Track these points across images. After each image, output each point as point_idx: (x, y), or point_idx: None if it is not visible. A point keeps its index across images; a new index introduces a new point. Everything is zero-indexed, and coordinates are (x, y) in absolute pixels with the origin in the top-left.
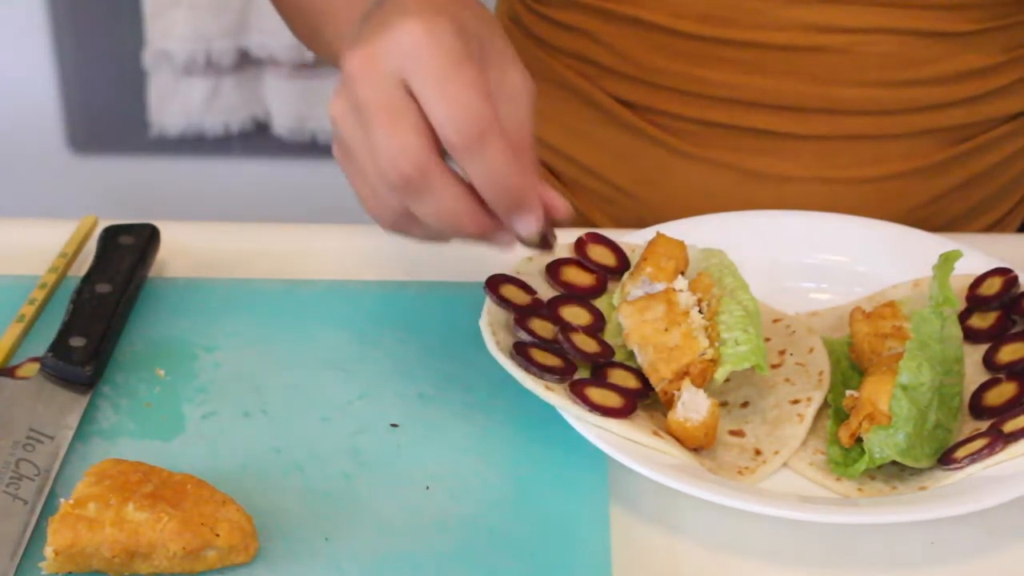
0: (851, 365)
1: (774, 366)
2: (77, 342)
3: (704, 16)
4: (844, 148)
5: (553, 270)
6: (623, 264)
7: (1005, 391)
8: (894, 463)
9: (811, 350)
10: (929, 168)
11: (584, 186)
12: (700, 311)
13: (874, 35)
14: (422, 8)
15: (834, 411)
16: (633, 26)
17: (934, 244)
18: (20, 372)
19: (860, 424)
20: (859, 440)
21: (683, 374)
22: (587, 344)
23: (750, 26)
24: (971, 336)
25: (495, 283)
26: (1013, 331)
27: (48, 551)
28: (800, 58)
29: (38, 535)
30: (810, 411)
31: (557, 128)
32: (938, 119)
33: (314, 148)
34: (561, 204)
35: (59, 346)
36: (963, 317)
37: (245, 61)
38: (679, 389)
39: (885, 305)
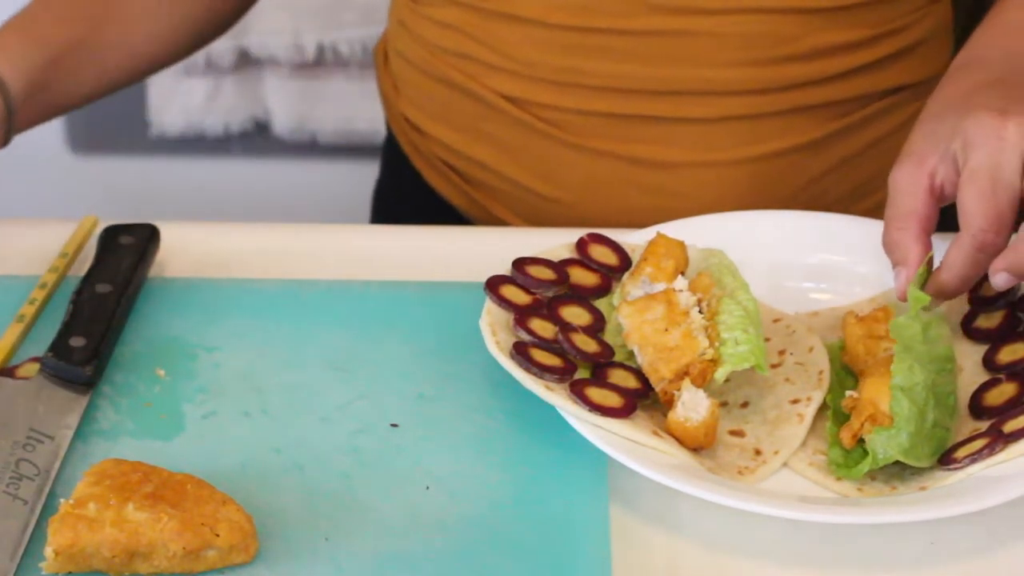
0: (843, 367)
1: (774, 366)
2: (77, 342)
3: (575, 7)
4: (722, 130)
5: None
6: (625, 263)
7: (1005, 391)
8: (894, 463)
9: (811, 350)
10: (808, 146)
11: (483, 182)
12: (700, 311)
13: (739, 15)
14: None
15: (833, 412)
16: (509, 22)
17: (936, 244)
18: (20, 372)
19: (862, 425)
20: (860, 441)
21: (683, 374)
22: (587, 344)
23: (619, 14)
24: (979, 336)
25: (495, 283)
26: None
27: (48, 551)
28: (670, 43)
29: (38, 535)
30: (810, 411)
31: (448, 126)
32: (812, 96)
33: (314, 148)
34: None
35: (59, 346)
36: (968, 318)
37: (245, 61)
38: (679, 389)
39: (879, 309)
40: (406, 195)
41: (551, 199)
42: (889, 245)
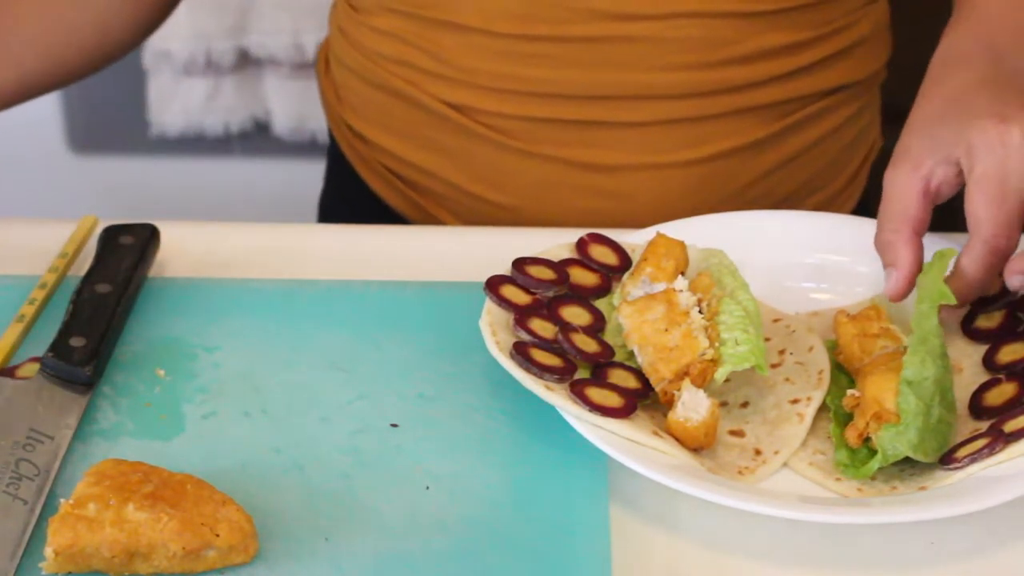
0: (836, 366)
1: (774, 366)
2: (77, 342)
3: (512, 15)
4: (665, 133)
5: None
6: (625, 263)
7: (1005, 391)
8: (893, 463)
9: (811, 349)
10: (752, 146)
11: (428, 188)
12: (700, 311)
13: (677, 20)
14: None
15: (834, 414)
16: (447, 29)
17: (933, 244)
18: (20, 372)
19: (867, 424)
20: (865, 440)
21: (683, 374)
22: (587, 344)
23: (556, 21)
24: (979, 336)
25: (495, 283)
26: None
27: (48, 551)
28: (609, 49)
29: (38, 535)
30: (810, 410)
31: (390, 133)
32: (753, 97)
33: (314, 148)
34: None
35: (59, 346)
36: (967, 319)
37: (245, 61)
38: (679, 389)
39: (869, 308)
40: (351, 202)
41: (496, 204)
42: (881, 246)
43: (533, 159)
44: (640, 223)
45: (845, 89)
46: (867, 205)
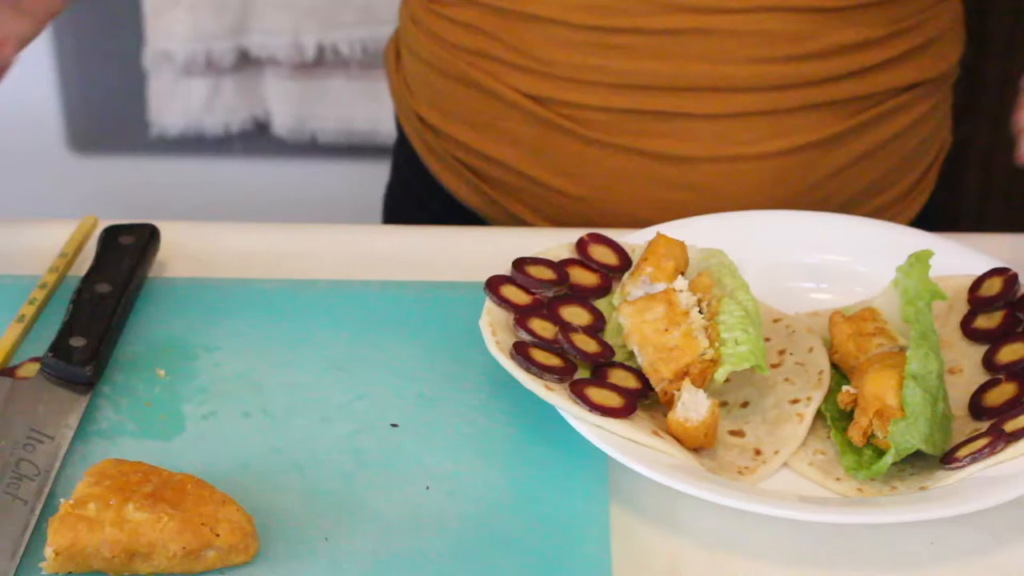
0: (831, 366)
1: (774, 366)
2: (77, 342)
3: (592, 7)
4: (741, 125)
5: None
6: (625, 263)
7: (1005, 391)
8: (893, 463)
9: (811, 350)
10: (825, 141)
11: (504, 182)
12: (700, 311)
13: (755, 14)
14: None
15: (831, 418)
16: (527, 21)
17: (934, 244)
18: (20, 372)
19: (871, 422)
20: (869, 439)
21: (683, 374)
22: (587, 344)
23: (637, 13)
24: (979, 336)
25: (495, 283)
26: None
27: (48, 551)
28: (689, 41)
29: (38, 535)
30: (810, 411)
31: (466, 124)
32: (828, 92)
33: (314, 148)
34: None
35: (59, 346)
36: (968, 319)
37: (245, 61)
38: (679, 389)
39: (865, 310)
40: (418, 197)
41: (571, 196)
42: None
43: (610, 150)
44: None
45: (918, 87)
46: (936, 204)
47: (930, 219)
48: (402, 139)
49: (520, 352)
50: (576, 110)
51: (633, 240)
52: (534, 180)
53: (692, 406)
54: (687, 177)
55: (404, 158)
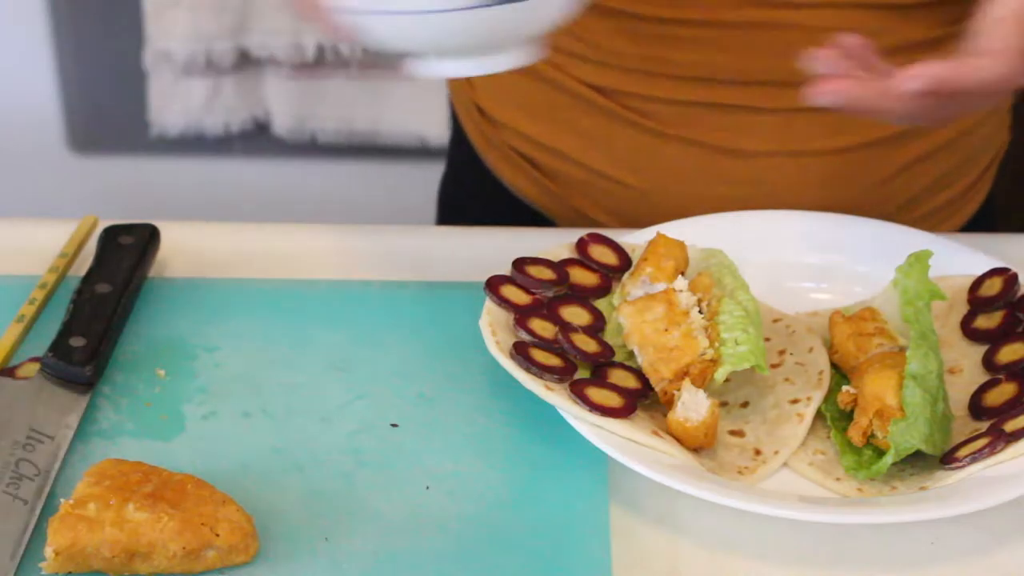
0: (831, 366)
1: (774, 366)
2: (77, 342)
3: None
4: (807, 120)
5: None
6: (625, 263)
7: (1005, 391)
8: (893, 463)
9: (811, 350)
10: (890, 139)
11: (565, 174)
12: (700, 311)
13: (824, 9)
14: None
15: (832, 418)
16: (597, 12)
17: (934, 244)
18: (20, 372)
19: (871, 422)
20: (869, 439)
21: (683, 374)
22: (587, 344)
23: (706, 6)
24: (979, 337)
25: (495, 283)
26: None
27: (48, 551)
28: (756, 34)
29: (38, 535)
30: (810, 411)
31: (530, 117)
32: None
33: (314, 148)
34: None
35: (59, 346)
36: (968, 319)
37: (245, 61)
38: (679, 389)
39: (864, 310)
40: (473, 190)
41: (632, 188)
42: None
43: (674, 143)
44: None
45: None
46: (992, 204)
47: (986, 219)
48: (458, 133)
49: (520, 352)
50: (640, 102)
51: (633, 240)
52: (596, 172)
53: (692, 406)
54: (748, 172)
55: (460, 152)
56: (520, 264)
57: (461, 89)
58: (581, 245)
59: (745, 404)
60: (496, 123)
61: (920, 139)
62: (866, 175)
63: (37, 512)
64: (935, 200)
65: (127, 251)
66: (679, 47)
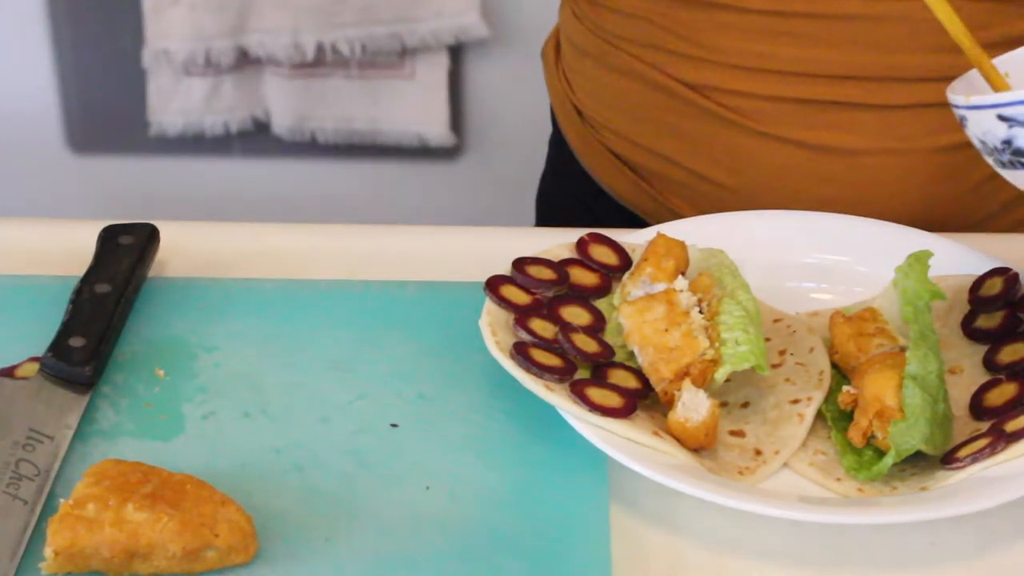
0: (831, 366)
1: (774, 366)
2: (77, 342)
3: None
4: (912, 117)
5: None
6: (625, 263)
7: (1005, 391)
8: (893, 463)
9: (811, 350)
10: None
11: (661, 174)
12: (700, 311)
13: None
14: None
15: (832, 418)
16: (699, 8)
17: (933, 244)
18: (20, 372)
19: (871, 423)
20: (870, 440)
21: (683, 374)
22: (587, 344)
23: None
24: (979, 336)
25: (495, 283)
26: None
27: (48, 551)
28: (860, 27)
29: (38, 535)
30: (810, 411)
31: (629, 118)
32: None
33: (314, 148)
34: None
35: (59, 346)
36: (968, 319)
37: (245, 61)
38: (679, 389)
39: (865, 310)
40: (571, 190)
41: (730, 189)
42: None
43: (773, 142)
44: (875, 212)
45: None
46: None
47: None
48: (557, 134)
49: (520, 352)
50: (741, 99)
51: (633, 240)
52: (694, 173)
53: (692, 406)
54: (850, 171)
55: (558, 152)
56: (520, 264)
57: (559, 92)
58: (581, 245)
59: (745, 404)
60: (595, 125)
61: None
62: (968, 175)
63: (37, 512)
64: (1019, 212)
65: (127, 251)
66: (782, 42)
